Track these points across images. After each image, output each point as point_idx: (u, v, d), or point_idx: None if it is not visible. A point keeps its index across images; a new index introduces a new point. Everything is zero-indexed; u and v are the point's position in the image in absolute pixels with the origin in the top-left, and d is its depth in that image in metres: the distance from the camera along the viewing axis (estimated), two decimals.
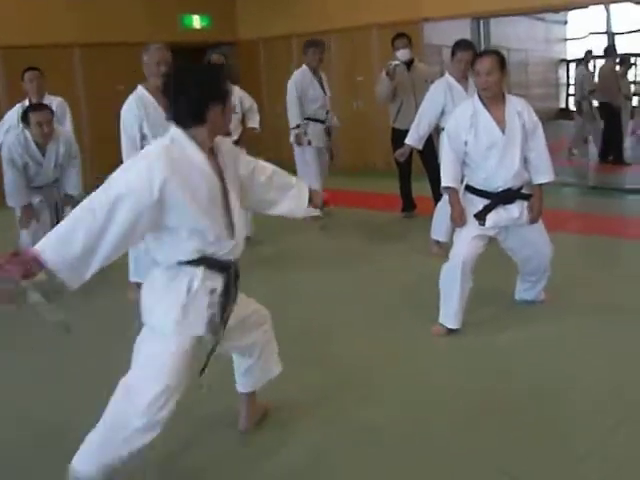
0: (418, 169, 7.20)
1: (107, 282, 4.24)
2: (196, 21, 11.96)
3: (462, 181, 4.39)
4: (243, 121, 6.85)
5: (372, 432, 3.20)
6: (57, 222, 4.75)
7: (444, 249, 5.32)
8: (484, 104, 4.18)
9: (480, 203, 4.24)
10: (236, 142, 6.53)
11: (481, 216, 4.20)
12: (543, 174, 4.22)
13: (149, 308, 2.68)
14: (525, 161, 4.21)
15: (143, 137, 4.97)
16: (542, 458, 2.94)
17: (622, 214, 7.96)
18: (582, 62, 11.64)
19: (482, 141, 4.15)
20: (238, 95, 6.69)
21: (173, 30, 11.48)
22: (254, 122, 6.90)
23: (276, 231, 6.64)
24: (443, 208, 5.77)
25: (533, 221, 4.27)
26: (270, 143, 8.36)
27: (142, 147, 4.95)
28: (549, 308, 4.61)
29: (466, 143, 4.18)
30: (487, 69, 4.07)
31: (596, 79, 11.26)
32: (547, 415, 3.30)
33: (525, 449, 3.01)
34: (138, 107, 4.94)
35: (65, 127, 6.16)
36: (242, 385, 3.22)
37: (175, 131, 2.60)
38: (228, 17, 12.40)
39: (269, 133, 8.23)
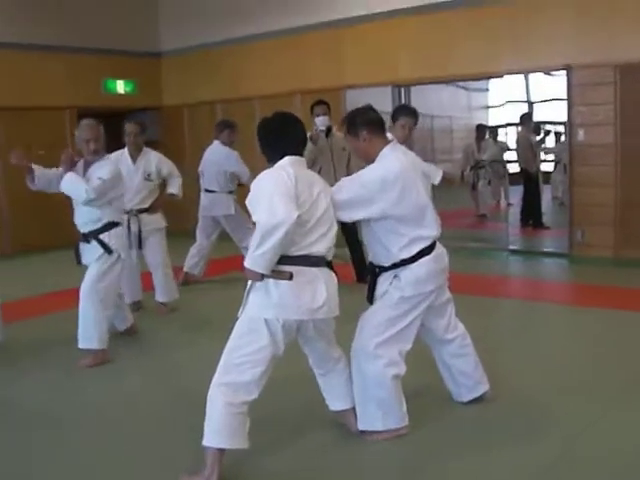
0: None
1: None
2: (120, 86, 11.91)
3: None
4: (163, 187, 6.80)
5: None
6: None
7: None
8: None
9: None
10: (147, 209, 6.48)
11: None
12: None
13: None
14: None
15: None
16: None
17: (542, 277, 8.11)
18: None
19: None
20: (154, 162, 6.64)
21: (96, 94, 11.43)
22: (174, 188, 6.82)
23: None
24: None
25: None
26: (193, 207, 8.25)
27: None
28: None
29: None
30: None
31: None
32: None
33: None
34: None
35: None
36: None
37: None
38: (153, 82, 12.40)
39: (193, 199, 8.19)
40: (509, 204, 12.94)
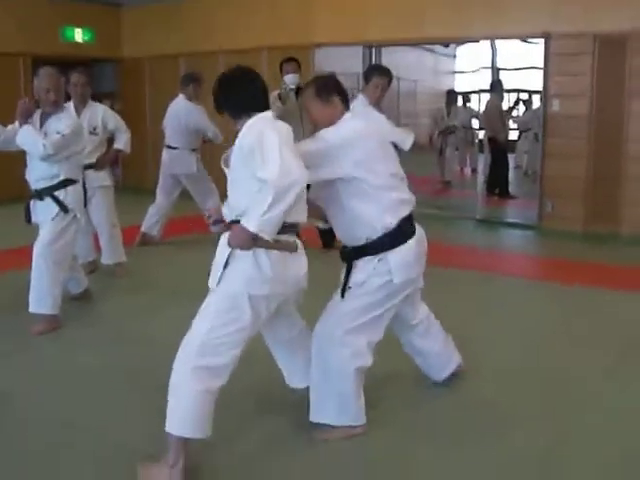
0: None
1: None
2: (78, 34, 11.35)
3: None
4: (110, 142, 6.43)
5: None
6: None
7: None
8: None
9: None
10: (92, 165, 6.08)
11: None
12: None
13: None
14: None
15: None
16: None
17: (511, 249, 7.97)
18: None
19: None
20: (100, 115, 6.23)
21: (53, 42, 10.89)
22: (120, 143, 6.43)
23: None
24: None
25: None
26: (154, 164, 7.92)
27: None
28: None
29: None
30: None
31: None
32: None
33: None
34: None
35: None
36: None
37: None
38: (112, 33, 11.87)
39: (152, 154, 7.83)
40: (473, 170, 12.88)
